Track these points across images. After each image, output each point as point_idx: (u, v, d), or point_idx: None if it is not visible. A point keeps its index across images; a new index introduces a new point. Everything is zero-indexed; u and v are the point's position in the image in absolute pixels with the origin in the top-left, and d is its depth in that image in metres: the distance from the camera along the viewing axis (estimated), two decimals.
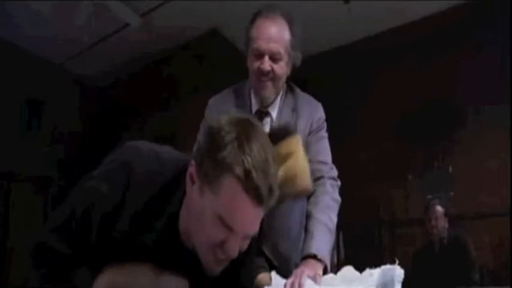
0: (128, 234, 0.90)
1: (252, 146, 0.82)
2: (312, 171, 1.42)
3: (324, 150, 1.50)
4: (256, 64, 1.42)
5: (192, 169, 0.88)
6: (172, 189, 0.92)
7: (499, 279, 3.27)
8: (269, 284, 1.13)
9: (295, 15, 1.46)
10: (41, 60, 4.42)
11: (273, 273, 1.15)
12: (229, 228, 0.83)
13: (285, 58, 1.43)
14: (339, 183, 1.47)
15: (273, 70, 1.42)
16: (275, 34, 1.42)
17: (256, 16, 1.47)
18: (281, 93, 1.52)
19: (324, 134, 1.54)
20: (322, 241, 1.25)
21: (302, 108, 1.50)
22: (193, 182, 0.88)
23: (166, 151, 0.99)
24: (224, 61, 4.17)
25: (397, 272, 1.08)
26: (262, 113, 1.50)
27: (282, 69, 1.43)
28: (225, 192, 0.82)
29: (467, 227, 3.60)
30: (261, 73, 1.42)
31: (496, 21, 3.69)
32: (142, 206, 0.91)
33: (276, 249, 1.36)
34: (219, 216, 0.83)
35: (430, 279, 3.17)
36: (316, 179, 1.42)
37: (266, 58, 1.41)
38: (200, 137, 1.50)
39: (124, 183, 0.90)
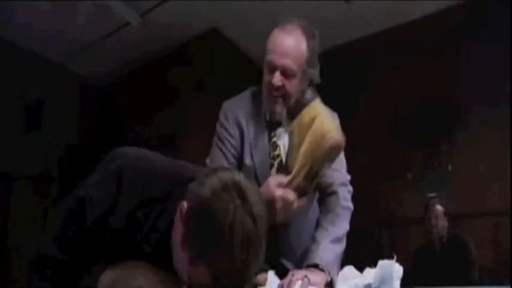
0: (122, 238, 0.95)
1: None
2: (323, 178, 1.39)
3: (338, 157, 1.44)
4: (268, 78, 1.38)
5: (183, 208, 0.89)
6: (162, 203, 0.96)
7: (499, 278, 3.27)
8: (265, 284, 1.14)
9: (309, 22, 1.43)
10: (41, 60, 4.42)
11: (270, 273, 1.15)
12: None
13: (299, 75, 1.38)
14: (351, 188, 1.44)
15: (284, 86, 1.37)
16: (290, 48, 1.36)
17: (274, 28, 1.42)
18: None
19: None
20: (327, 251, 1.23)
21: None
22: (182, 220, 0.89)
23: (157, 158, 1.03)
24: (224, 61, 4.18)
25: (396, 268, 1.09)
26: (277, 124, 1.47)
27: (293, 86, 1.38)
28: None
29: (466, 226, 3.60)
30: (272, 88, 1.38)
31: (496, 21, 3.69)
32: (133, 211, 0.94)
33: (290, 256, 1.39)
34: None
35: (429, 278, 3.17)
36: (327, 186, 1.40)
37: (277, 73, 1.36)
38: (211, 155, 1.47)
39: (115, 191, 0.95)
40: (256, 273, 1.18)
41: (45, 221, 3.58)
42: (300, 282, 1.07)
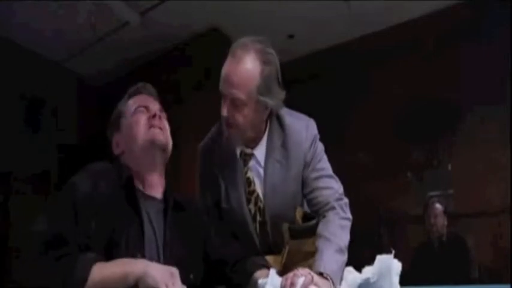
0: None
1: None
2: (317, 199, 1.40)
3: (324, 174, 1.43)
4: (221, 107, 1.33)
5: (115, 138, 1.31)
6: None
7: (498, 276, 3.28)
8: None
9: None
10: (41, 60, 4.42)
11: (272, 270, 1.15)
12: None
13: (251, 104, 1.30)
14: (346, 200, 1.42)
15: (233, 117, 1.31)
16: (237, 78, 1.31)
17: (229, 51, 1.36)
18: (267, 129, 1.41)
19: (320, 150, 1.46)
20: (331, 260, 1.23)
21: (291, 139, 1.41)
22: (118, 145, 1.29)
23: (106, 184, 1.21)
24: (224, 60, 4.17)
25: (395, 264, 1.09)
26: (247, 155, 1.42)
27: (245, 117, 1.31)
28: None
29: (466, 225, 3.61)
30: (222, 118, 1.34)
31: (497, 20, 3.70)
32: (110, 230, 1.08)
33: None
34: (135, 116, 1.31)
35: (429, 276, 3.17)
36: (324, 205, 1.39)
37: (225, 104, 1.31)
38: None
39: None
40: (257, 270, 1.19)
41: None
42: (303, 278, 1.07)
